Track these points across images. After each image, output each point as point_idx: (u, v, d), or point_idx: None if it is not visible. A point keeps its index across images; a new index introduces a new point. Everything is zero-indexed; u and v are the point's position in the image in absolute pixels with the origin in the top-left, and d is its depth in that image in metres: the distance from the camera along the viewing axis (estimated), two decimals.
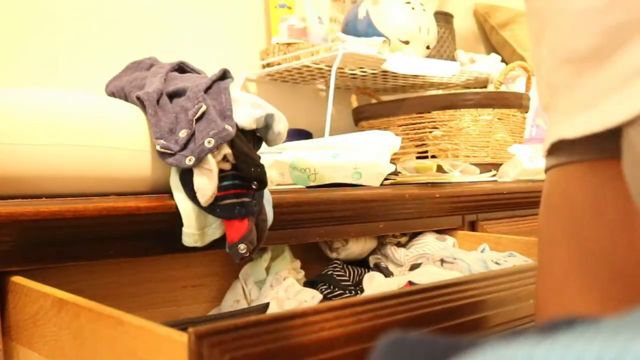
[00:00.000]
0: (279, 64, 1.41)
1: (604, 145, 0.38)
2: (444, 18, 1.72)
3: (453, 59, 1.66)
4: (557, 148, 0.43)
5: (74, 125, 0.66)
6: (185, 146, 0.66)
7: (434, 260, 0.98)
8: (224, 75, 0.75)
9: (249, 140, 0.71)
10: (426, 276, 0.89)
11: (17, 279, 0.59)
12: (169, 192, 0.69)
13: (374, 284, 0.91)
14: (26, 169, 0.63)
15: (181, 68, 0.82)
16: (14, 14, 1.15)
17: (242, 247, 0.66)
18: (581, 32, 0.35)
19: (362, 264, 1.02)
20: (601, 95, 0.35)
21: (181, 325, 0.69)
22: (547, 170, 0.46)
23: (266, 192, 0.73)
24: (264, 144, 0.77)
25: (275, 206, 0.75)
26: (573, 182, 0.43)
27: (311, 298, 0.82)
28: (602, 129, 0.35)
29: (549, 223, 0.46)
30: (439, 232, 1.05)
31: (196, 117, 0.68)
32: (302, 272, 0.92)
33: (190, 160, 0.65)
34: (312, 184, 0.96)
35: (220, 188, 0.66)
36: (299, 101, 1.61)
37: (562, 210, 0.44)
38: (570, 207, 0.43)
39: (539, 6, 0.40)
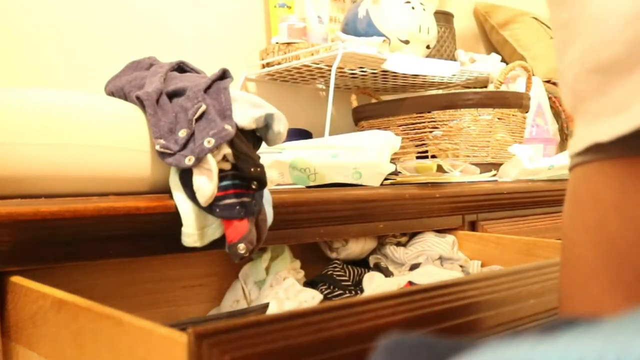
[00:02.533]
0: (278, 63, 1.41)
1: (632, 142, 0.39)
2: (444, 18, 1.72)
3: (453, 58, 1.66)
4: (587, 150, 0.43)
5: (73, 125, 0.66)
6: (184, 146, 0.66)
7: (433, 259, 0.98)
8: (224, 75, 0.75)
9: (248, 140, 0.71)
10: (426, 276, 0.89)
11: (17, 279, 0.59)
12: (168, 192, 0.69)
13: (374, 284, 0.91)
14: (25, 168, 0.63)
15: (181, 68, 0.82)
16: (14, 13, 1.15)
17: (241, 247, 0.66)
18: (611, 42, 0.36)
19: (362, 264, 1.02)
20: (633, 98, 0.36)
21: (181, 326, 0.69)
22: (571, 168, 0.47)
23: (266, 192, 0.73)
24: (263, 144, 0.77)
25: (275, 206, 0.75)
26: (599, 179, 0.43)
27: (311, 298, 0.82)
28: (635, 129, 0.36)
29: (573, 220, 0.46)
30: (439, 232, 1.05)
31: (196, 116, 0.68)
32: (302, 272, 0.92)
33: (189, 160, 0.64)
34: (312, 184, 0.96)
35: (220, 188, 0.66)
36: (299, 101, 1.61)
37: (587, 207, 0.44)
38: (596, 204, 0.43)
39: (566, 18, 0.41)
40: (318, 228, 0.86)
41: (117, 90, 0.79)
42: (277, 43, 1.41)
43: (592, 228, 0.44)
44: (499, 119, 1.35)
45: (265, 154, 0.95)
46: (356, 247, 0.99)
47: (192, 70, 0.83)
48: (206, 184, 0.64)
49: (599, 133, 0.39)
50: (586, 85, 0.40)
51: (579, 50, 0.40)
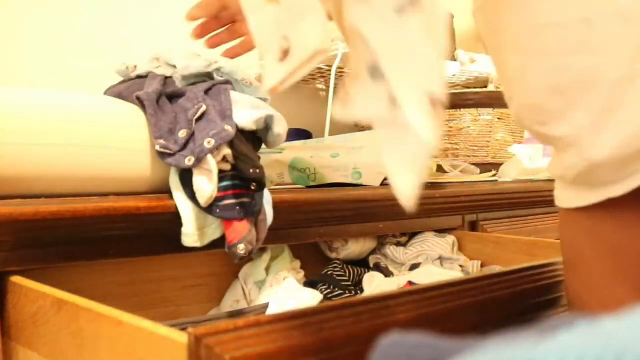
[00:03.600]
0: None
1: None
2: None
3: (453, 58, 1.66)
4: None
5: (73, 125, 0.66)
6: (184, 146, 0.66)
7: (433, 259, 0.98)
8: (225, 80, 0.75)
9: (248, 141, 0.71)
10: (426, 276, 0.89)
11: (17, 279, 0.59)
12: (168, 192, 0.69)
13: (374, 284, 0.91)
14: (26, 168, 0.63)
15: None
16: (14, 13, 1.15)
17: (241, 248, 0.66)
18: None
19: (362, 264, 1.02)
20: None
21: (181, 326, 0.69)
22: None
23: (266, 192, 0.73)
24: (263, 145, 0.77)
25: (275, 206, 0.75)
26: (598, 209, 0.46)
27: (311, 298, 0.82)
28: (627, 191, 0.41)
29: (571, 237, 0.49)
30: (439, 232, 1.05)
31: (196, 117, 0.68)
32: (302, 272, 0.92)
33: (189, 160, 0.64)
34: (312, 184, 0.96)
35: (219, 188, 0.66)
36: (299, 101, 1.61)
37: (584, 228, 0.47)
38: (594, 225, 0.46)
39: (509, 72, 0.48)
40: (318, 228, 0.86)
41: (116, 96, 0.79)
42: None
43: (590, 239, 0.47)
44: (499, 119, 1.35)
45: (265, 154, 0.95)
46: (356, 247, 0.99)
47: None
48: (206, 185, 0.64)
49: (588, 197, 0.44)
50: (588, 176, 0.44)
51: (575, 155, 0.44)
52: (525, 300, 0.59)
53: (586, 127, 0.40)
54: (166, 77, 0.79)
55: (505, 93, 0.50)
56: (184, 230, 0.67)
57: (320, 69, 1.39)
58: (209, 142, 0.64)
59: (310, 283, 0.92)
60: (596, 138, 0.40)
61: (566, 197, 0.48)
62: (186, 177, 0.66)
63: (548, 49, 0.41)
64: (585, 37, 0.39)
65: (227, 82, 0.75)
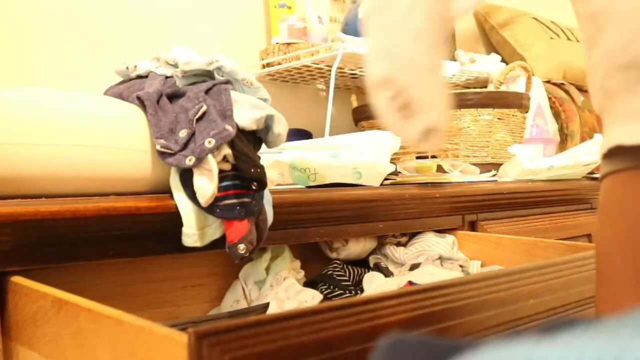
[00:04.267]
0: (279, 63, 1.41)
1: None
2: None
3: (453, 58, 1.66)
4: (613, 153, 0.41)
5: (73, 125, 0.66)
6: (185, 146, 0.66)
7: (433, 259, 0.98)
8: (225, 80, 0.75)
9: (249, 141, 0.71)
10: (426, 276, 0.89)
11: (17, 279, 0.59)
12: (169, 192, 0.69)
13: (374, 284, 0.91)
14: (26, 168, 0.63)
15: None
16: (15, 13, 1.15)
17: (241, 248, 0.66)
18: None
19: (362, 264, 1.02)
20: None
21: (181, 326, 0.69)
22: (602, 177, 0.45)
23: (266, 192, 0.73)
24: (263, 145, 0.77)
25: (275, 206, 0.75)
26: (628, 189, 0.42)
27: (311, 298, 0.82)
28: None
29: (604, 231, 0.45)
30: (439, 232, 1.05)
31: (196, 117, 0.68)
32: (302, 272, 0.92)
33: (190, 160, 0.65)
34: (312, 184, 0.96)
35: (220, 188, 0.66)
36: (299, 101, 1.61)
37: (617, 217, 0.43)
38: (625, 214, 0.42)
39: (594, 10, 0.39)
40: (318, 228, 0.86)
41: (116, 96, 0.79)
42: (277, 43, 1.41)
43: (622, 239, 0.42)
44: (498, 119, 1.35)
45: (266, 154, 0.95)
46: (356, 247, 0.99)
47: None
48: (206, 184, 0.64)
49: (623, 135, 0.37)
50: (616, 83, 0.38)
51: (609, 45, 0.38)
52: (525, 300, 0.59)
53: None
54: (167, 77, 0.79)
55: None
56: (184, 230, 0.67)
57: (320, 69, 1.39)
58: (209, 142, 0.64)
59: (310, 283, 0.92)
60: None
61: (604, 141, 0.41)
62: (186, 177, 0.66)
63: None
64: None
65: (228, 82, 0.75)
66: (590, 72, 0.41)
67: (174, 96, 0.73)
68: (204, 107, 0.68)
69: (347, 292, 0.91)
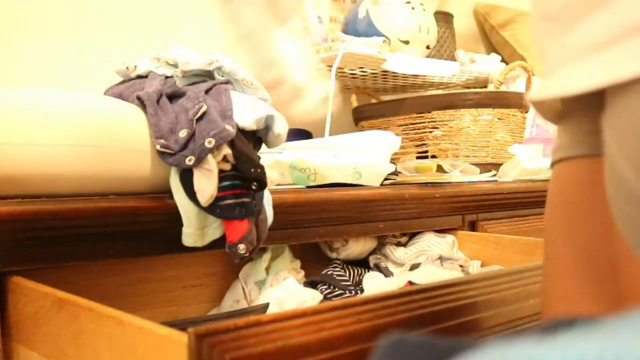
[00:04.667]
0: None
1: (596, 140, 0.38)
2: (443, 18, 1.72)
3: (453, 58, 1.66)
4: (560, 142, 0.43)
5: (73, 125, 0.66)
6: (185, 146, 0.66)
7: (433, 259, 0.98)
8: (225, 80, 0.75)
9: (249, 141, 0.71)
10: (426, 276, 0.89)
11: (17, 279, 0.59)
12: (168, 192, 0.69)
13: (374, 284, 0.91)
14: (26, 168, 0.63)
15: None
16: (15, 13, 1.15)
17: (241, 248, 0.66)
18: None
19: (362, 264, 1.02)
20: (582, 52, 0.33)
21: (181, 326, 0.69)
22: (552, 165, 0.47)
23: (266, 192, 0.73)
24: (263, 145, 0.77)
25: (275, 206, 0.75)
26: (572, 178, 0.43)
27: (311, 298, 0.82)
28: (575, 91, 0.32)
29: (550, 219, 0.47)
30: (439, 232, 1.05)
31: (196, 117, 0.68)
32: (302, 272, 0.92)
33: (190, 160, 0.64)
34: (312, 184, 0.96)
35: (220, 188, 0.66)
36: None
37: (561, 205, 0.45)
38: (568, 202, 0.44)
39: None
40: (318, 228, 0.86)
41: (116, 96, 0.79)
42: None
43: (565, 227, 0.44)
44: (498, 119, 1.35)
45: (266, 154, 0.95)
46: (356, 247, 0.99)
47: None
48: (206, 184, 0.64)
49: (540, 89, 0.37)
50: (542, 33, 0.38)
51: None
52: (525, 300, 0.59)
53: None
54: (167, 77, 0.79)
55: None
56: (184, 230, 0.67)
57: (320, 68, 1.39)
58: (209, 142, 0.64)
59: (310, 283, 0.92)
60: None
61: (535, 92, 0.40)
62: (186, 176, 0.66)
63: None
64: None
65: (228, 82, 0.75)
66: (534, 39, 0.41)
67: (174, 96, 0.73)
68: (204, 107, 0.68)
69: (347, 292, 0.91)
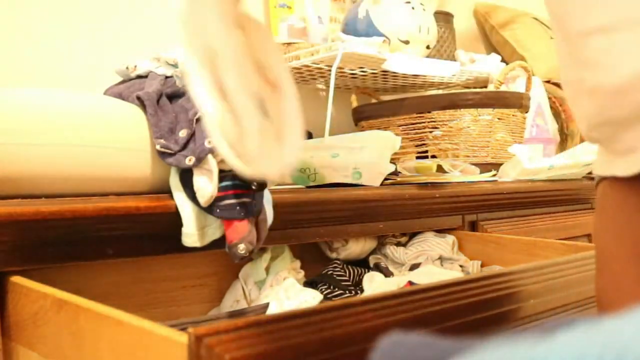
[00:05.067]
0: None
1: None
2: (444, 18, 1.72)
3: (453, 58, 1.66)
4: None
5: (73, 125, 0.66)
6: (185, 146, 0.66)
7: (433, 259, 0.98)
8: None
9: None
10: (426, 276, 0.89)
11: (17, 279, 0.59)
12: (168, 192, 0.69)
13: (374, 284, 0.91)
14: (26, 168, 0.63)
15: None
16: (14, 13, 1.15)
17: (241, 248, 0.66)
18: (618, 104, 0.42)
19: (362, 264, 1.02)
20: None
21: (181, 326, 0.69)
22: (598, 183, 0.52)
23: (266, 192, 0.73)
24: None
25: (275, 206, 0.75)
26: (625, 191, 0.48)
27: (311, 298, 0.82)
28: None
29: (602, 224, 0.51)
30: (439, 232, 1.05)
31: (197, 117, 0.68)
32: (302, 272, 0.92)
33: (190, 160, 0.64)
34: (312, 184, 0.96)
35: (220, 188, 0.66)
36: (299, 101, 1.61)
37: (615, 214, 0.49)
38: (622, 211, 0.48)
39: (566, 80, 0.48)
40: (318, 228, 0.86)
41: (116, 96, 0.79)
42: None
43: (620, 230, 0.49)
44: (498, 119, 1.35)
45: None
46: (356, 247, 0.99)
47: None
48: (206, 184, 0.64)
49: (616, 169, 0.46)
50: (597, 134, 0.47)
51: (585, 109, 0.46)
52: (525, 300, 0.59)
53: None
54: (167, 77, 0.79)
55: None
56: (184, 230, 0.67)
57: (320, 69, 1.39)
58: (209, 142, 0.64)
59: (310, 283, 0.92)
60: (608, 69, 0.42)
61: (598, 164, 0.49)
62: (186, 176, 0.66)
63: None
64: None
65: None
66: (577, 122, 0.50)
67: (174, 96, 0.73)
68: None
69: (347, 292, 0.91)
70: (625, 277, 0.48)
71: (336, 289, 0.91)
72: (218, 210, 0.66)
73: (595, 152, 0.51)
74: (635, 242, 0.47)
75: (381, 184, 0.98)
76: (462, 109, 1.32)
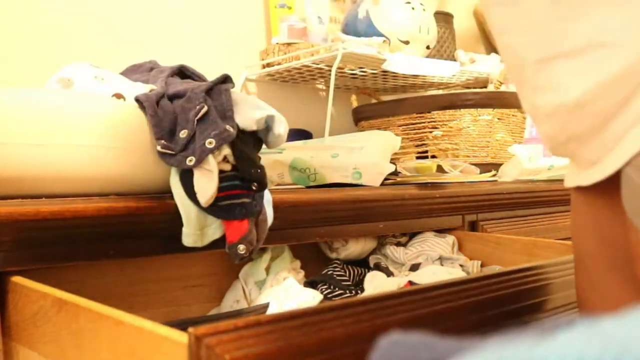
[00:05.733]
0: (279, 64, 1.41)
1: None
2: (443, 18, 1.72)
3: (453, 58, 1.66)
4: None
5: (74, 125, 0.66)
6: (185, 147, 0.66)
7: (433, 259, 0.98)
8: (225, 80, 0.75)
9: (249, 142, 0.71)
10: (426, 276, 0.89)
11: (17, 279, 0.59)
12: (169, 192, 0.69)
13: (374, 284, 0.91)
14: (26, 168, 0.63)
15: (181, 72, 0.82)
16: (14, 14, 1.15)
17: (241, 248, 0.66)
18: (578, 119, 0.47)
19: (362, 264, 1.02)
20: (602, 153, 0.47)
21: (181, 326, 0.69)
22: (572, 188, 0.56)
23: (266, 192, 0.73)
24: (264, 145, 0.77)
25: (275, 206, 0.75)
26: (590, 195, 0.52)
27: (311, 298, 0.82)
28: (604, 177, 0.47)
29: (578, 227, 0.56)
30: (439, 232, 1.05)
31: (197, 117, 0.68)
32: (302, 272, 0.92)
33: (190, 160, 0.65)
34: (312, 184, 0.96)
35: (220, 189, 0.66)
36: (299, 101, 1.61)
37: (585, 215, 0.54)
38: (589, 212, 0.53)
39: (528, 108, 0.53)
40: (318, 228, 0.86)
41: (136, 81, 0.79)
42: (277, 43, 1.41)
43: (592, 231, 0.53)
44: (498, 119, 1.35)
45: (266, 154, 0.95)
46: (356, 247, 0.99)
47: (193, 74, 0.83)
48: (207, 185, 0.64)
49: (581, 180, 0.51)
50: (562, 151, 0.52)
51: (547, 131, 0.51)
52: (525, 300, 0.59)
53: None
54: (169, 76, 0.79)
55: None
56: (184, 230, 0.67)
57: (320, 69, 1.39)
58: (209, 143, 0.64)
59: (310, 283, 0.92)
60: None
61: (568, 176, 0.54)
62: (187, 177, 0.66)
63: None
64: None
65: (228, 82, 0.75)
66: (542, 142, 0.55)
67: (174, 97, 0.73)
68: (205, 108, 0.68)
69: (347, 292, 0.91)
70: (595, 270, 0.53)
71: (336, 289, 0.91)
72: (218, 211, 0.66)
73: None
74: (603, 238, 0.52)
75: (381, 184, 0.98)
76: (462, 109, 1.32)
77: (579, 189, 0.53)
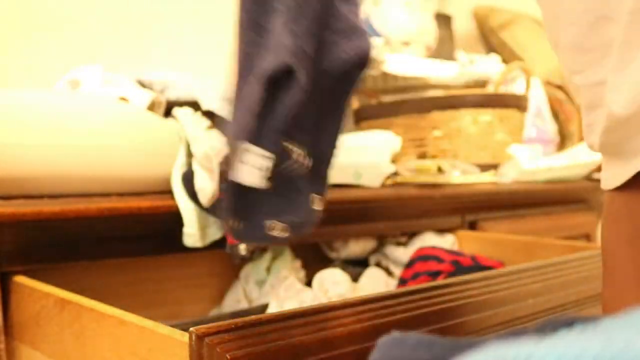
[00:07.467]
0: None
1: None
2: (443, 19, 1.72)
3: (453, 60, 1.66)
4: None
5: (75, 126, 0.66)
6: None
7: None
8: None
9: None
10: None
11: (20, 279, 0.59)
12: (170, 192, 0.69)
13: (364, 278, 0.91)
14: (29, 169, 0.63)
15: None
16: (14, 15, 1.15)
17: (242, 248, 0.66)
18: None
19: (362, 264, 1.02)
20: None
21: (182, 325, 0.69)
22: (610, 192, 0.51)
23: None
24: None
25: None
26: (633, 199, 0.47)
27: (311, 298, 0.82)
28: None
29: (610, 233, 0.50)
30: (439, 232, 1.05)
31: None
32: (303, 272, 0.92)
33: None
34: None
35: (221, 188, 0.66)
36: None
37: (624, 223, 0.48)
38: (631, 220, 0.47)
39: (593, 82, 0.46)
40: (318, 228, 0.86)
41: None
42: None
43: (629, 240, 0.47)
44: (498, 120, 1.35)
45: None
46: (356, 247, 0.99)
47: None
48: (208, 185, 0.65)
49: (625, 175, 0.45)
50: (614, 136, 0.45)
51: (602, 113, 0.45)
52: (524, 300, 0.59)
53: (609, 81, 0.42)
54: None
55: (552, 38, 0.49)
56: (185, 230, 0.67)
57: None
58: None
59: (310, 283, 0.92)
60: (616, 92, 0.41)
61: (605, 176, 0.48)
62: (188, 177, 0.67)
63: None
64: None
65: None
66: (587, 129, 0.48)
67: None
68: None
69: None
70: (628, 288, 0.47)
71: None
72: (219, 211, 0.66)
73: (593, 153, 0.50)
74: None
75: (381, 185, 0.98)
76: (461, 110, 1.33)
77: (621, 191, 0.47)
